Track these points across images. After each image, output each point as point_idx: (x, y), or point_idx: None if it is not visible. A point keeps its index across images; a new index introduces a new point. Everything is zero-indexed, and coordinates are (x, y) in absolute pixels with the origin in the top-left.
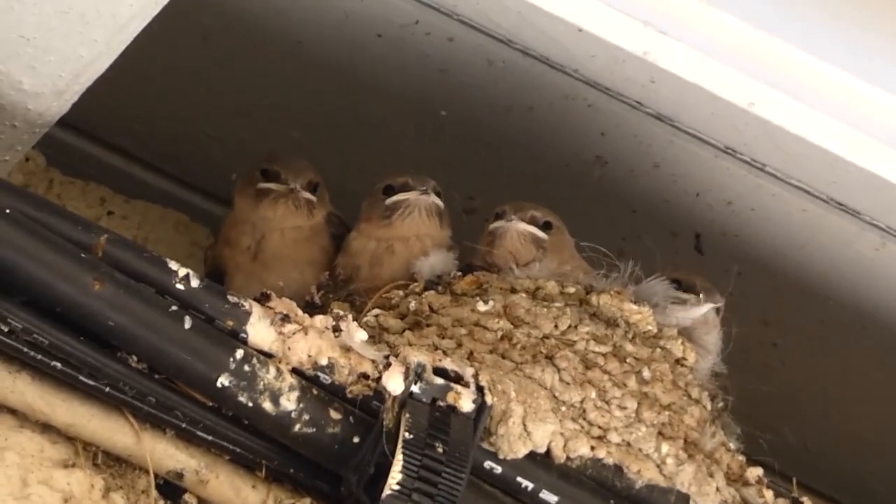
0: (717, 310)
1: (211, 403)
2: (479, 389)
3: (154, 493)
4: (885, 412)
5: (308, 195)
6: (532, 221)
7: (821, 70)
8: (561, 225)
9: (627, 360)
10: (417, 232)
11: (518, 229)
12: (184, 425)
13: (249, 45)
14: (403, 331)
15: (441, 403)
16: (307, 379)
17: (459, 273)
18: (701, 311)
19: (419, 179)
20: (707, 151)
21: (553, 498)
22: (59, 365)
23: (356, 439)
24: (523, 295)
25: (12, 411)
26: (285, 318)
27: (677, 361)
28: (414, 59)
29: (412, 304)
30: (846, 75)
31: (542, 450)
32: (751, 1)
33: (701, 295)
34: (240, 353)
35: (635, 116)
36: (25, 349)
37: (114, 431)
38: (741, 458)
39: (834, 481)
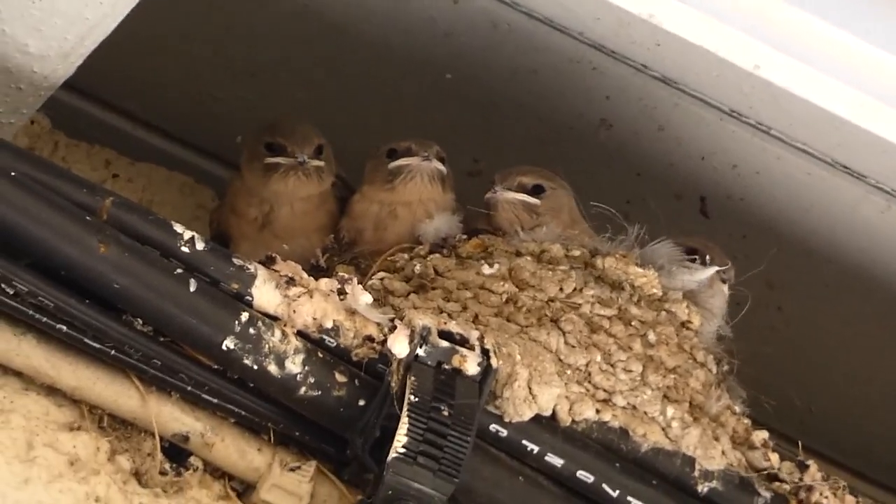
0: (725, 276)
1: (216, 366)
2: (485, 352)
3: (160, 455)
4: (890, 375)
5: (316, 163)
6: (520, 188)
7: (826, 32)
8: (556, 185)
9: (633, 324)
10: (420, 197)
11: (506, 199)
12: (189, 388)
13: (255, 6)
14: (408, 294)
15: (446, 366)
16: (312, 342)
17: (464, 236)
18: (706, 275)
19: (422, 144)
20: (712, 114)
21: (558, 461)
22: (64, 328)
23: (362, 402)
24: (528, 258)
25: (17, 374)
26: (290, 281)
27: (682, 325)
28: (419, 22)
29: (417, 268)
30: (852, 37)
31: (548, 413)
32: None
33: (707, 258)
34: (245, 316)
35: (640, 79)
36: (30, 312)
37: (119, 394)
38: (746, 421)
39: (839, 444)
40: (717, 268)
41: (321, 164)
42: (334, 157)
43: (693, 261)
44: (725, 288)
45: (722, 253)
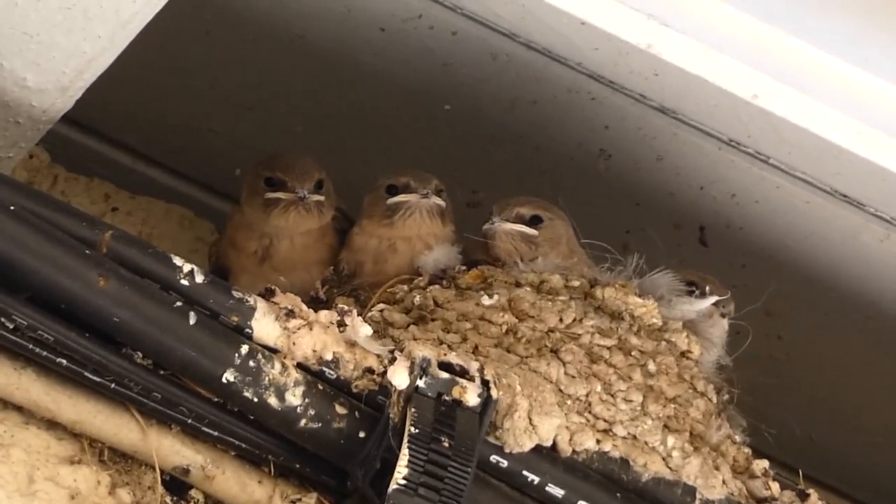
0: (725, 310)
1: (216, 399)
2: (485, 383)
3: (160, 488)
4: (890, 403)
5: (317, 197)
6: (517, 219)
7: (824, 61)
8: (554, 216)
9: (632, 354)
10: (419, 232)
11: (504, 230)
12: (189, 421)
13: (252, 39)
14: (408, 325)
15: (446, 398)
16: (312, 374)
17: (464, 267)
18: (705, 304)
19: (421, 179)
20: (711, 144)
21: (559, 491)
22: (64, 361)
23: (362, 434)
24: (528, 289)
25: (18, 408)
26: (290, 314)
27: (682, 354)
28: (417, 53)
29: (417, 299)
30: (849, 66)
31: (548, 443)
32: None
33: (706, 288)
34: (245, 349)
35: (639, 109)
36: (30, 346)
37: (120, 427)
38: (747, 450)
39: (840, 473)
40: (716, 297)
41: (321, 198)
42: (333, 191)
43: (692, 292)
44: (725, 322)
45: (720, 284)
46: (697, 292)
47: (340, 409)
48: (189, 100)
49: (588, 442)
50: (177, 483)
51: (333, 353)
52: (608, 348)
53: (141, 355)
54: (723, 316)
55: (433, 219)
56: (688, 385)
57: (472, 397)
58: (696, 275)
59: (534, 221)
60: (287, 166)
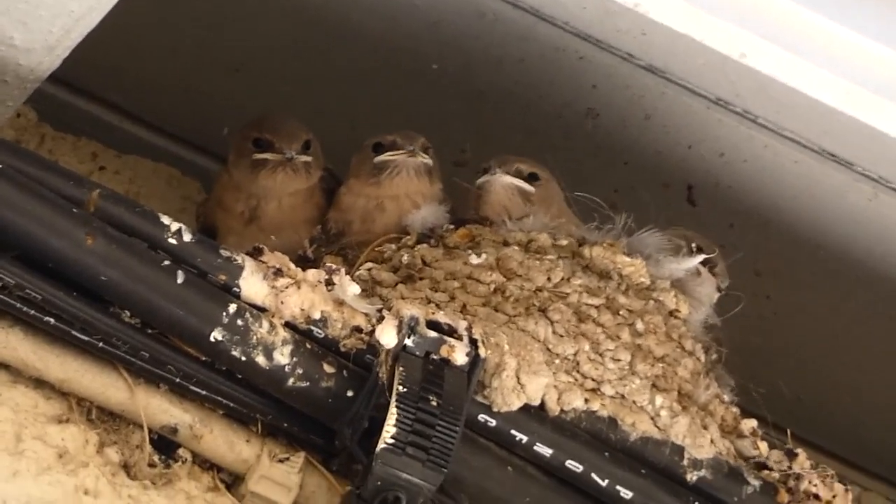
0: (714, 267)
1: (204, 358)
2: (473, 342)
3: (148, 447)
4: (879, 362)
5: (305, 158)
6: (517, 174)
7: (812, 20)
8: (549, 177)
9: (620, 313)
10: (406, 191)
11: (503, 182)
12: (177, 380)
13: None
14: (396, 284)
15: (434, 357)
16: (300, 333)
17: (451, 226)
18: (694, 263)
19: (407, 137)
20: (699, 103)
21: (547, 451)
22: (51, 320)
23: (350, 393)
24: (516, 248)
25: (5, 367)
26: (278, 272)
27: (670, 313)
28: (405, 11)
29: (405, 258)
30: (838, 26)
31: (537, 403)
32: None
33: (694, 246)
34: (233, 308)
35: (627, 68)
36: (18, 304)
37: (107, 386)
38: (735, 410)
39: (828, 433)
40: (704, 255)
41: (308, 159)
42: (322, 150)
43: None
44: (718, 281)
45: (708, 242)
46: (685, 250)
47: (328, 368)
48: (177, 59)
49: (576, 401)
50: (165, 442)
51: (321, 311)
52: (596, 307)
53: (129, 314)
54: (714, 275)
55: (420, 177)
56: (676, 344)
57: (460, 356)
58: (685, 233)
59: (531, 178)
60: (274, 127)
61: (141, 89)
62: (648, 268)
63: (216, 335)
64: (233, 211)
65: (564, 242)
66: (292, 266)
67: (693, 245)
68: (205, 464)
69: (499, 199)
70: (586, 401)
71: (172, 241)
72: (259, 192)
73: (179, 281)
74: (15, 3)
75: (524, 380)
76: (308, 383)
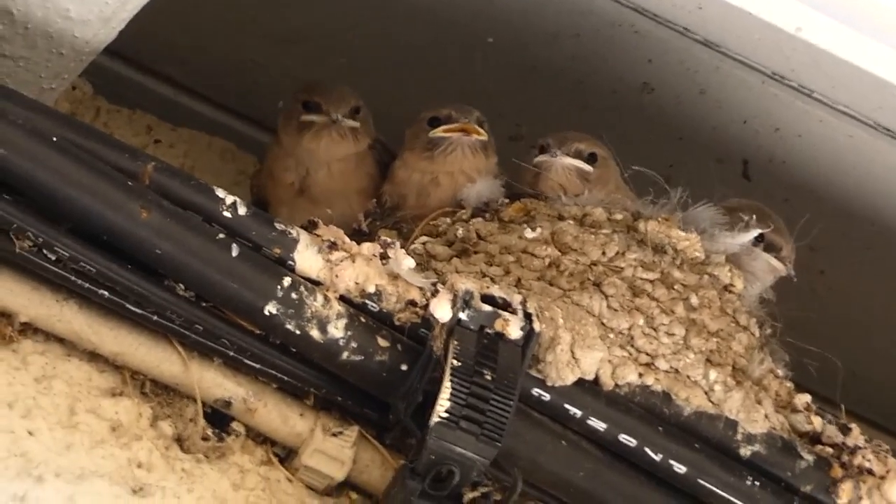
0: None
1: (258, 331)
2: (527, 316)
3: (202, 421)
4: None
5: (351, 123)
6: (577, 155)
7: None
8: (607, 154)
9: (675, 287)
10: (461, 167)
11: (564, 164)
12: (231, 353)
13: None
14: (451, 258)
15: (489, 330)
16: (355, 306)
17: (506, 200)
18: (748, 237)
19: (462, 110)
20: (754, 77)
21: (602, 425)
22: (106, 293)
23: (404, 367)
24: (571, 222)
25: (60, 340)
26: (332, 246)
27: (725, 288)
28: None
29: (459, 232)
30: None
31: (591, 377)
32: None
33: (749, 219)
34: (287, 281)
35: (682, 42)
36: (72, 277)
37: (161, 360)
38: (789, 384)
39: (882, 407)
40: (758, 230)
41: (356, 124)
42: (376, 124)
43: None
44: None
45: (768, 213)
46: (742, 224)
47: (382, 342)
48: (232, 32)
49: (630, 375)
50: (218, 415)
51: (376, 285)
52: (651, 282)
53: (183, 287)
54: (782, 261)
55: (476, 153)
56: (730, 319)
57: (514, 330)
58: (752, 204)
59: (591, 159)
60: (324, 91)
61: (196, 62)
62: (703, 242)
63: (270, 308)
64: (283, 181)
65: (619, 217)
66: (347, 239)
67: (748, 218)
68: (258, 437)
69: (557, 179)
70: (640, 375)
71: (227, 214)
72: (306, 158)
73: (234, 254)
74: None
75: (578, 354)
76: (362, 357)
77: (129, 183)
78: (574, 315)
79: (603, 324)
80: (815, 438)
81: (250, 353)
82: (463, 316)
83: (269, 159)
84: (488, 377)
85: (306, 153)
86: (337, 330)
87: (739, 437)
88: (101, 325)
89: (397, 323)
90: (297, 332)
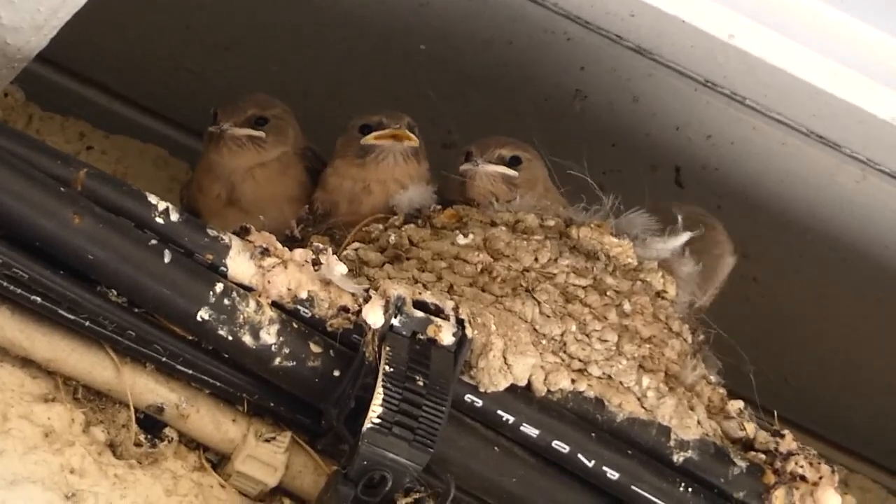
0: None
1: (191, 337)
2: (460, 322)
3: (134, 427)
4: (865, 345)
5: (241, 131)
6: (499, 160)
7: (800, 1)
8: (531, 155)
9: (608, 293)
10: (393, 175)
11: (486, 172)
12: (164, 359)
13: None
14: (383, 264)
15: (421, 336)
16: (287, 312)
17: (439, 206)
18: (680, 242)
19: (393, 117)
20: (687, 85)
21: (534, 431)
22: (38, 299)
23: (336, 373)
24: (503, 228)
25: None
26: (265, 252)
27: (658, 294)
28: None
29: (392, 238)
30: (826, 6)
31: (523, 383)
32: None
33: (679, 224)
34: (219, 287)
35: (614, 50)
36: (5, 283)
37: (94, 365)
38: (722, 391)
39: (815, 414)
40: (689, 235)
41: (251, 132)
42: (310, 131)
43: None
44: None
45: (704, 216)
46: (670, 229)
47: (315, 348)
48: (165, 39)
49: (563, 382)
50: (151, 421)
51: (308, 291)
52: (583, 288)
53: (115, 293)
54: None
55: (408, 160)
56: (663, 325)
57: (446, 336)
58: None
59: (513, 162)
60: (227, 102)
61: (129, 69)
62: (636, 249)
63: (203, 314)
64: (210, 193)
65: (552, 223)
66: (279, 245)
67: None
68: (191, 443)
69: (483, 187)
70: (573, 381)
71: (160, 220)
72: (224, 170)
73: (166, 260)
74: None
75: (511, 360)
76: (294, 363)
77: (62, 189)
78: (506, 321)
79: (535, 330)
80: (747, 445)
81: (183, 358)
82: (395, 322)
83: (197, 171)
84: (420, 383)
85: (217, 165)
86: (269, 336)
87: (672, 443)
88: (34, 331)
89: (330, 329)
90: (230, 337)
